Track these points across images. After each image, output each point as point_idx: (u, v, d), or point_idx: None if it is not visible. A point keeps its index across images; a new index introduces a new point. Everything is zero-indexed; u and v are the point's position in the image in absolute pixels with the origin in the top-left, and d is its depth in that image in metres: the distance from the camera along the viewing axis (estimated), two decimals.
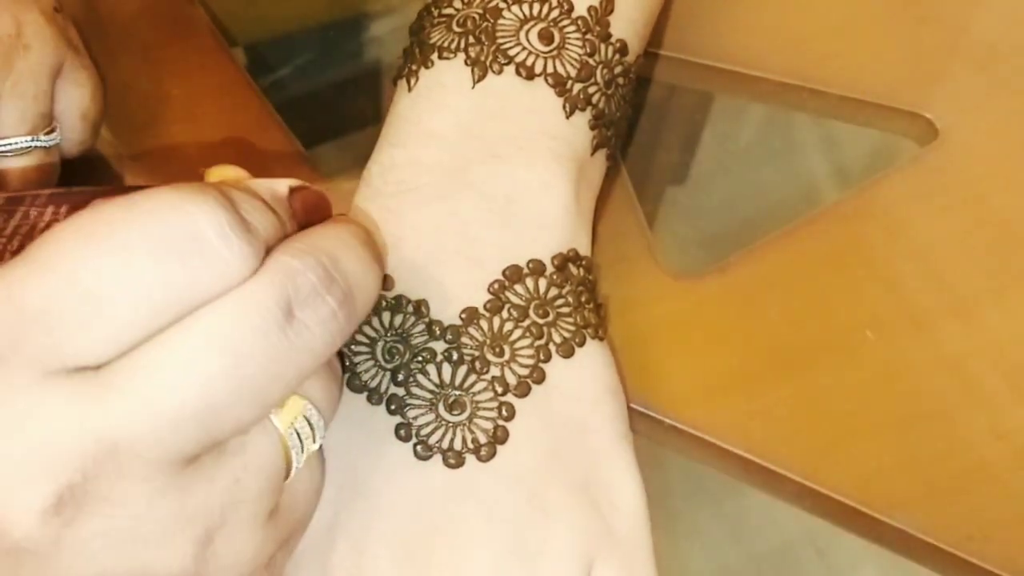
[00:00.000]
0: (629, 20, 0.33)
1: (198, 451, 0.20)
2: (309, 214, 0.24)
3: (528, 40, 0.31)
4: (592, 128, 0.32)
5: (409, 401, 0.28)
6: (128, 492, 0.20)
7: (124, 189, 0.21)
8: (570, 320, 0.29)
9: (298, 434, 0.23)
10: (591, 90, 0.31)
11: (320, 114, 0.41)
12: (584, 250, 0.31)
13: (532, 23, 0.31)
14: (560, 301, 0.29)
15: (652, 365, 0.32)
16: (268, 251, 0.21)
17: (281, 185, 0.24)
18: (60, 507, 0.19)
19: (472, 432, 0.27)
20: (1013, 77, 0.38)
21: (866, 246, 0.35)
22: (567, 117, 0.31)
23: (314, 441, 0.24)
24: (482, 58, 0.31)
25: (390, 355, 0.28)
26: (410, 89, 0.31)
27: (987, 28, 0.39)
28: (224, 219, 0.20)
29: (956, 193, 0.36)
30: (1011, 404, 0.32)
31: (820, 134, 0.40)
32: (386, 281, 0.29)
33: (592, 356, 0.29)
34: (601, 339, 0.30)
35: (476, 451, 0.27)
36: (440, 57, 0.31)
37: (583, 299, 0.30)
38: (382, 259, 0.24)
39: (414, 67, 0.32)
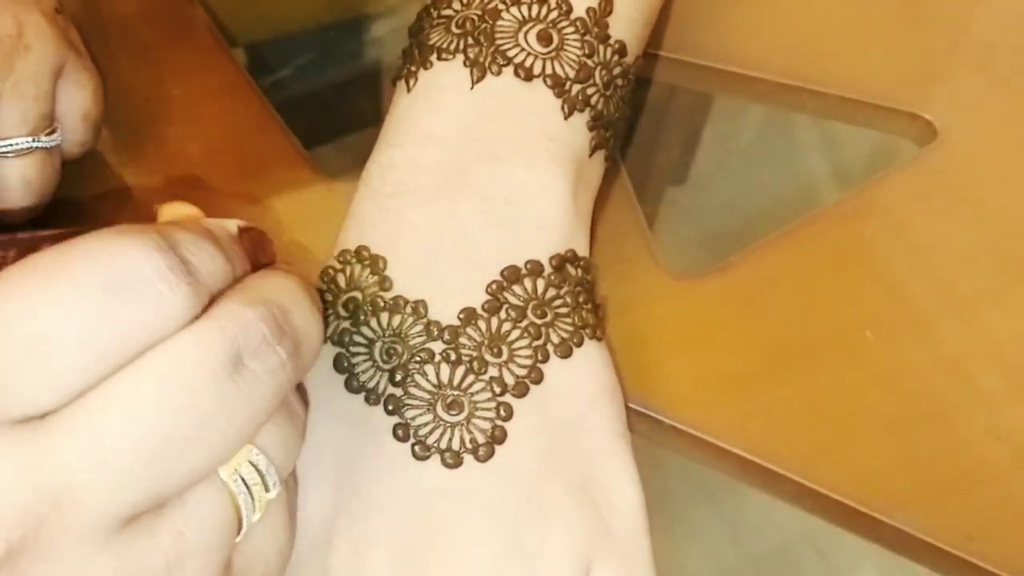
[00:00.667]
0: (628, 21, 0.33)
1: (144, 504, 0.20)
2: (256, 254, 0.24)
3: (527, 41, 0.31)
4: (590, 129, 0.31)
5: (407, 401, 0.28)
6: (67, 550, 0.19)
7: (72, 233, 0.21)
8: (568, 321, 0.29)
9: (244, 481, 0.22)
10: (590, 91, 0.31)
11: (320, 115, 0.41)
12: (582, 251, 0.31)
13: (531, 24, 0.31)
14: (558, 302, 0.29)
15: (652, 365, 0.32)
16: (216, 294, 0.21)
17: (231, 224, 0.24)
18: None
19: (470, 432, 0.27)
20: (1012, 77, 0.38)
21: (865, 246, 0.35)
22: (565, 118, 0.31)
23: (267, 490, 0.22)
24: (481, 59, 0.31)
25: (388, 356, 0.28)
26: (409, 90, 0.31)
27: (986, 28, 0.39)
28: (163, 261, 0.20)
29: (955, 193, 0.36)
30: (1011, 404, 0.32)
31: (819, 134, 0.40)
32: (383, 282, 0.29)
33: (590, 356, 0.29)
34: (599, 339, 0.30)
35: (474, 451, 0.27)
36: (439, 58, 0.31)
37: (581, 299, 0.30)
38: (323, 310, 0.24)
39: (413, 68, 0.32)
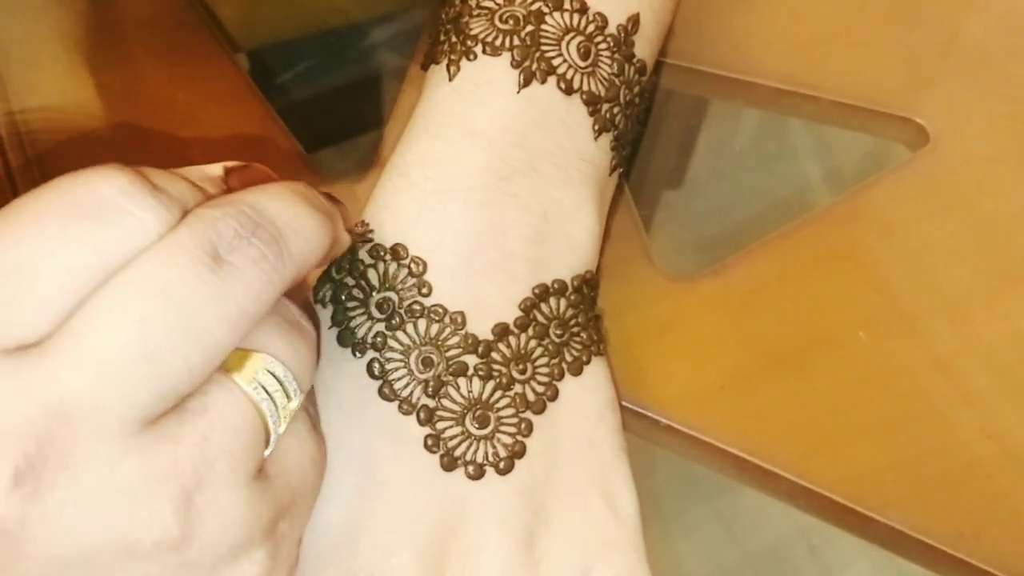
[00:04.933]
0: (647, 40, 0.32)
1: (153, 404, 0.20)
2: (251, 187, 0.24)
3: (568, 52, 0.30)
4: (612, 149, 0.31)
5: (440, 414, 0.28)
6: (87, 455, 0.19)
7: None
8: (579, 339, 0.30)
9: (264, 388, 0.22)
10: (615, 111, 0.31)
11: (322, 119, 0.41)
12: (594, 270, 0.31)
13: (572, 35, 0.30)
14: (573, 321, 0.30)
15: (648, 366, 0.33)
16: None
17: (214, 168, 0.24)
18: (19, 482, 0.19)
19: (494, 447, 0.28)
20: (1003, 82, 0.38)
21: (858, 249, 0.35)
22: (595, 138, 0.31)
23: (288, 398, 0.23)
24: (528, 63, 0.30)
25: (424, 365, 0.28)
26: (451, 78, 0.30)
27: (978, 34, 0.40)
28: (125, 181, 0.21)
29: (947, 197, 0.36)
30: (1001, 404, 0.32)
31: (813, 139, 0.40)
32: (423, 286, 0.28)
33: (597, 372, 0.30)
34: (602, 354, 0.31)
35: (496, 464, 0.28)
36: (483, 52, 0.30)
37: (589, 316, 0.30)
38: (327, 209, 0.24)
39: (454, 57, 0.31)
